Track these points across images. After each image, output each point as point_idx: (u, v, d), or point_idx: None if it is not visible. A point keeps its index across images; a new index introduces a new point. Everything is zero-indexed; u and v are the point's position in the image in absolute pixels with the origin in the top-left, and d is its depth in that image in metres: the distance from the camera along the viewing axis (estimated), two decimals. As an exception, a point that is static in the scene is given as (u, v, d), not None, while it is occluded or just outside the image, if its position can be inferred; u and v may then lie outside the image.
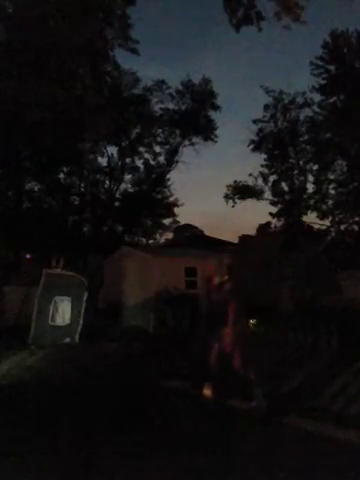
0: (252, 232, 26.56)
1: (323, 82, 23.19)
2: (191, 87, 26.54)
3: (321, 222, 24.41)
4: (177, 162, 27.43)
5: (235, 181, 26.12)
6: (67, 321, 10.84)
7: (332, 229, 24.42)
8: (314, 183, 24.91)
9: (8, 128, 15.08)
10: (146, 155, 27.21)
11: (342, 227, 23.90)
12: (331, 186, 24.43)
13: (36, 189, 25.95)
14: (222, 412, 5.52)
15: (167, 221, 29.44)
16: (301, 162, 25.57)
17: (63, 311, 10.87)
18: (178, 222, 29.71)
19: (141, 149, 27.03)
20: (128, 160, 27.39)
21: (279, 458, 4.18)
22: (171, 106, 26.68)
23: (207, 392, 5.82)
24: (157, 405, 5.92)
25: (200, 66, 52.61)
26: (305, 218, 25.22)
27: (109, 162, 26.92)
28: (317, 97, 23.85)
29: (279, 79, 49.72)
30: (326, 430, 4.93)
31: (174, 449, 4.44)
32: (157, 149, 27.35)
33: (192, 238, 26.69)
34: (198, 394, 5.90)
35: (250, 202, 26.08)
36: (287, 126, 25.25)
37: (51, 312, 10.72)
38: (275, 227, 26.42)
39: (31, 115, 13.96)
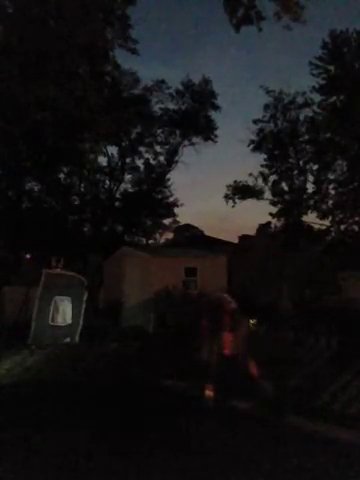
0: (252, 232, 26.66)
1: (323, 82, 23.17)
2: (191, 87, 26.54)
3: (321, 222, 24.36)
4: (177, 162, 27.44)
5: (235, 181, 26.04)
6: (67, 321, 10.83)
7: (332, 229, 24.36)
8: (314, 183, 24.86)
9: (8, 128, 15.07)
10: (146, 155, 27.23)
11: (342, 227, 23.84)
12: (331, 186, 24.38)
13: (36, 189, 25.93)
14: (222, 412, 5.52)
15: (167, 221, 29.46)
16: (301, 162, 25.53)
17: (63, 311, 10.85)
18: (178, 222, 29.73)
19: (141, 149, 27.05)
20: (128, 160, 27.40)
21: (279, 458, 4.18)
22: (171, 106, 26.68)
23: (207, 392, 5.82)
24: (157, 405, 5.92)
25: (200, 66, 52.41)
26: (305, 218, 25.18)
27: (109, 162, 26.93)
28: (317, 97, 23.82)
29: (279, 79, 49.54)
30: (326, 430, 4.93)
31: (174, 449, 4.45)
32: (157, 149, 27.36)
33: (192, 238, 26.69)
34: (198, 394, 5.91)
35: (250, 202, 26.01)
36: (287, 126, 25.22)
37: (51, 312, 10.71)
38: (275, 227, 26.41)
39: (31, 115, 13.96)
